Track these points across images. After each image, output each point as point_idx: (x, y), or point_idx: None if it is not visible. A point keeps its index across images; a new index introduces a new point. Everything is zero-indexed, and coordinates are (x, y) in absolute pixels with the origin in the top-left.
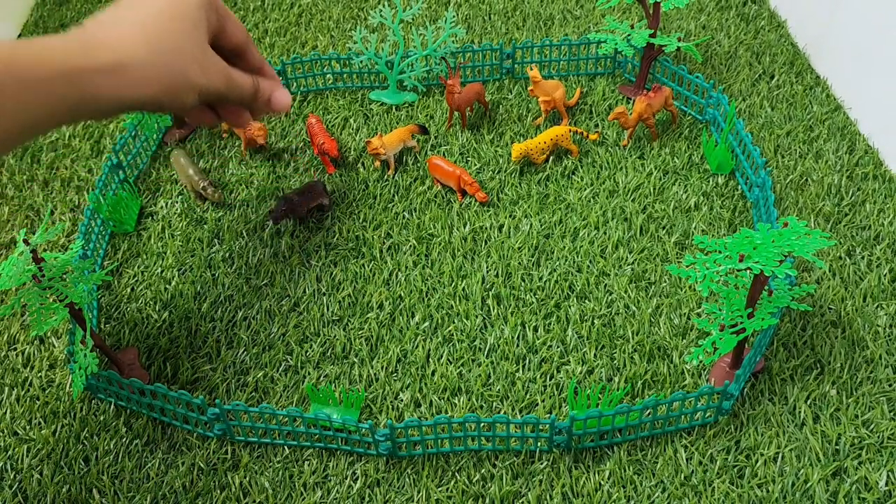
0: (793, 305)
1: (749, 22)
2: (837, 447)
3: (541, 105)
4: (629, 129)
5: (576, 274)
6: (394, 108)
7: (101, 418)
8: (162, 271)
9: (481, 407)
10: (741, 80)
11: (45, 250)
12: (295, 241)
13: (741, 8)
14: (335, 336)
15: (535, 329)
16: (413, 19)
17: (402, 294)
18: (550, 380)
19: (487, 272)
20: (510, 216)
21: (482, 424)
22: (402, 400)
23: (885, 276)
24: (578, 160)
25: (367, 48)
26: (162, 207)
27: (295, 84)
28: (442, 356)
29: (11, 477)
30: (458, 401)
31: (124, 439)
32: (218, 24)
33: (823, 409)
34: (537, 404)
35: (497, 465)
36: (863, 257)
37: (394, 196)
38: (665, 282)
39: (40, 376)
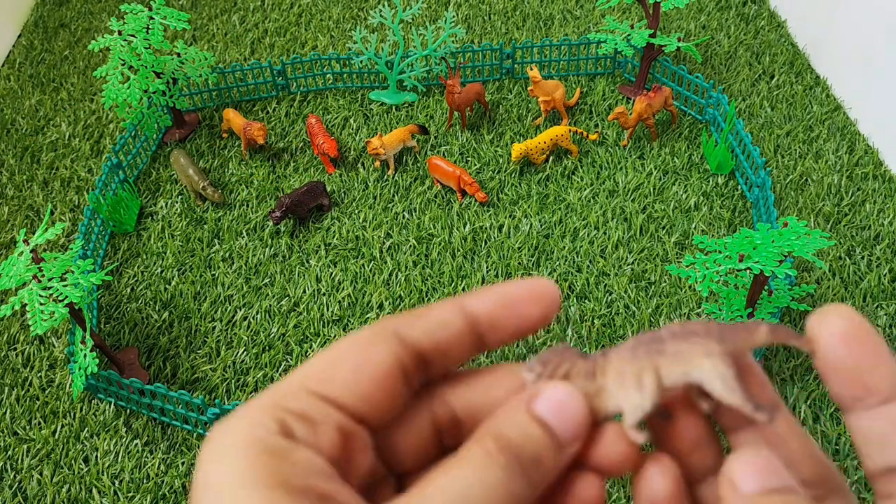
0: (793, 305)
1: (749, 22)
2: (837, 447)
3: (541, 105)
4: (629, 129)
5: (576, 274)
6: (394, 108)
7: (101, 418)
8: (162, 271)
9: None
10: (741, 80)
11: (45, 250)
12: (295, 241)
13: (741, 8)
14: (335, 336)
15: None
16: (413, 19)
17: (402, 294)
18: None
19: (487, 272)
20: (510, 216)
21: None
22: None
23: (885, 276)
24: (578, 160)
25: (367, 48)
26: (162, 207)
27: (295, 84)
28: None
29: (11, 477)
30: None
31: (124, 439)
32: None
33: (823, 409)
34: None
35: None
36: (863, 257)
37: (394, 196)
38: (665, 282)
39: (40, 376)
